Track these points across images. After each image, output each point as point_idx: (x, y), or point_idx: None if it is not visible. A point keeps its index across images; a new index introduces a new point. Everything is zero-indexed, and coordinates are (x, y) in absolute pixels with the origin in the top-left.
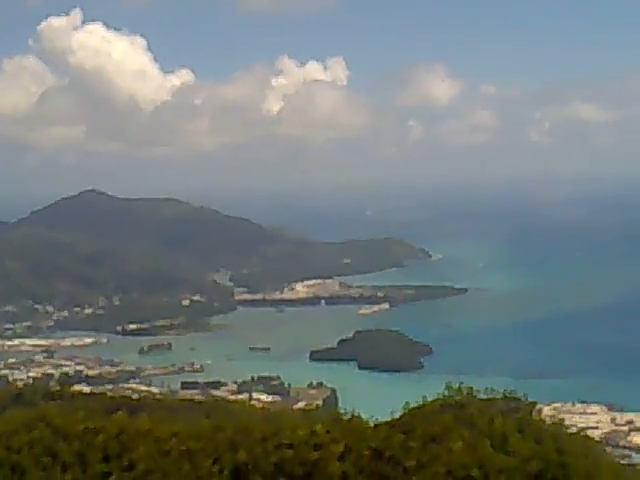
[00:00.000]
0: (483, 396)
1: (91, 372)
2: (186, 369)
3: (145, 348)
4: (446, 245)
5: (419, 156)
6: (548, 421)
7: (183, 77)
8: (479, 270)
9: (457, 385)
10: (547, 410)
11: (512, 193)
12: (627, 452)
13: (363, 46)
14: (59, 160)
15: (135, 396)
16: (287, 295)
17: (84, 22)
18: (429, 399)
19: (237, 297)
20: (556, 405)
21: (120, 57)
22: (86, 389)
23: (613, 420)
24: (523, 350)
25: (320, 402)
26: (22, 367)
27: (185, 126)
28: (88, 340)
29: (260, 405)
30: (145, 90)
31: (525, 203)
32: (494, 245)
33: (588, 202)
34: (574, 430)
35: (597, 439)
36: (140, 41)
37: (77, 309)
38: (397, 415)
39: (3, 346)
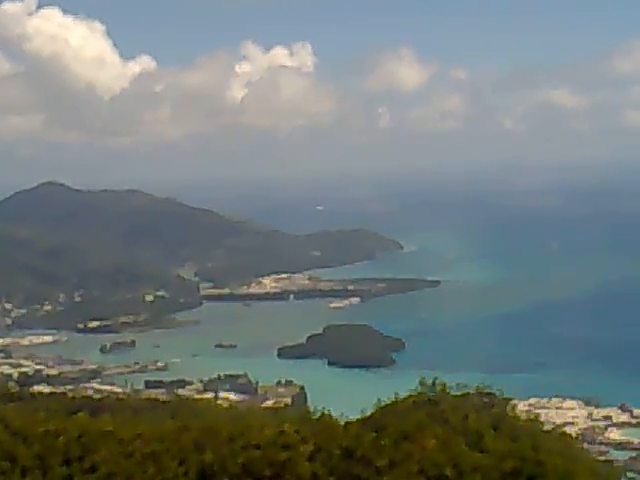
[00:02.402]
0: (457, 392)
1: (51, 372)
2: (150, 367)
3: (107, 346)
4: (418, 236)
5: (388, 144)
6: (524, 417)
7: (144, 64)
8: (452, 262)
9: (430, 381)
10: (522, 406)
11: (486, 182)
12: (604, 448)
13: (330, 31)
14: (16, 151)
15: (97, 396)
16: (254, 290)
17: (39, 7)
18: (401, 396)
19: (203, 292)
20: (531, 401)
21: (78, 43)
22: (46, 389)
23: (590, 416)
24: (497, 344)
25: (289, 400)
26: None
27: (147, 115)
28: (48, 338)
29: (227, 404)
30: (105, 77)
31: (499, 192)
32: (468, 235)
33: (564, 190)
34: (550, 427)
35: (574, 435)
36: (99, 26)
37: (36, 306)
38: (368, 413)
39: None
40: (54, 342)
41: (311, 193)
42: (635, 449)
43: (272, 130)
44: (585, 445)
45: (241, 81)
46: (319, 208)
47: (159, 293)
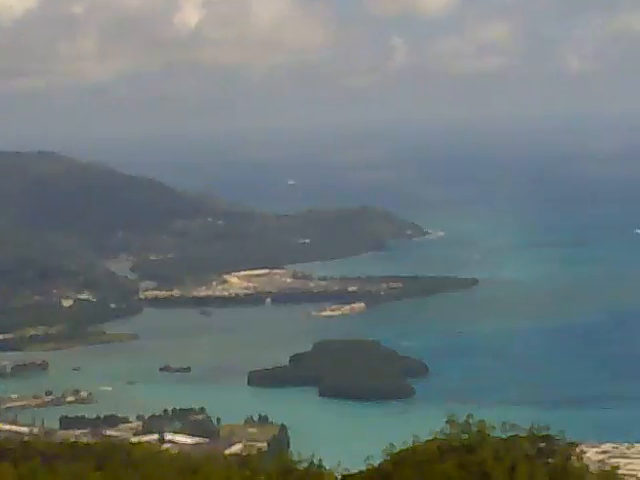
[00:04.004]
0: (500, 434)
1: None
2: (68, 399)
3: (8, 369)
4: (447, 216)
5: (405, 87)
6: (595, 470)
7: None
8: (494, 252)
9: (462, 418)
10: (593, 454)
11: (538, 141)
12: None
13: None
14: None
15: None
16: (216, 291)
17: None
18: (422, 439)
19: (143, 294)
20: (606, 447)
21: None
22: None
23: None
24: (554, 367)
25: (264, 445)
26: None
27: (63, 47)
28: None
29: (176, 450)
30: None
31: (561, 154)
32: (516, 215)
33: None
34: None
35: None
36: None
37: None
38: (376, 463)
39: None
40: None
41: (293, 158)
42: None
43: (240, 70)
44: None
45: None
46: (290, 183)
47: (81, 296)
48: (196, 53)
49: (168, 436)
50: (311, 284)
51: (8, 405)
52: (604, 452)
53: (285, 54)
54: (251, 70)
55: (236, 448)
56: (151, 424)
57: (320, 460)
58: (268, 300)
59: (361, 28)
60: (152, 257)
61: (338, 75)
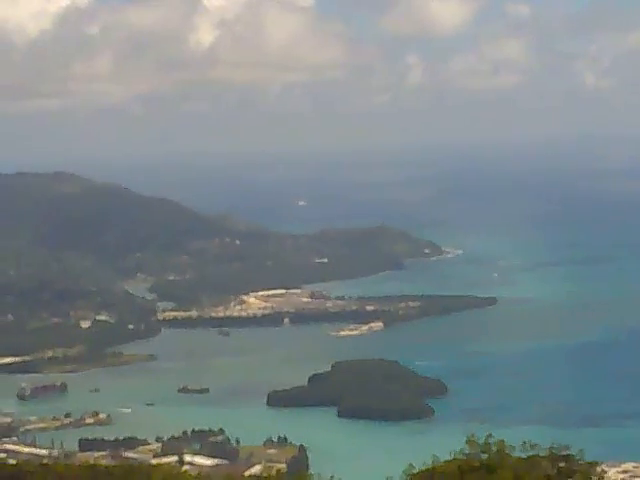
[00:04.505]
0: (520, 454)
1: None
2: (87, 421)
3: (26, 391)
4: (464, 235)
5: (421, 106)
6: None
7: None
8: (512, 271)
9: (482, 438)
10: (614, 473)
11: (554, 157)
12: None
13: None
14: None
15: (12, 461)
16: (234, 311)
17: None
18: (442, 459)
19: (161, 315)
20: (627, 466)
21: None
22: None
23: None
24: (574, 385)
25: (283, 466)
26: None
27: (78, 67)
28: None
29: (196, 472)
30: (19, 16)
31: (575, 171)
32: (532, 233)
33: None
34: None
35: None
36: None
37: None
38: None
39: None
40: None
41: (313, 173)
42: None
43: (255, 89)
44: None
45: (211, 19)
46: (301, 204)
47: (99, 317)
48: (210, 72)
49: (187, 458)
50: (329, 304)
51: (27, 427)
52: (625, 471)
53: (299, 72)
54: (264, 88)
55: (255, 469)
56: (170, 446)
57: None
58: (286, 320)
59: (375, 45)
60: (170, 277)
61: (352, 94)
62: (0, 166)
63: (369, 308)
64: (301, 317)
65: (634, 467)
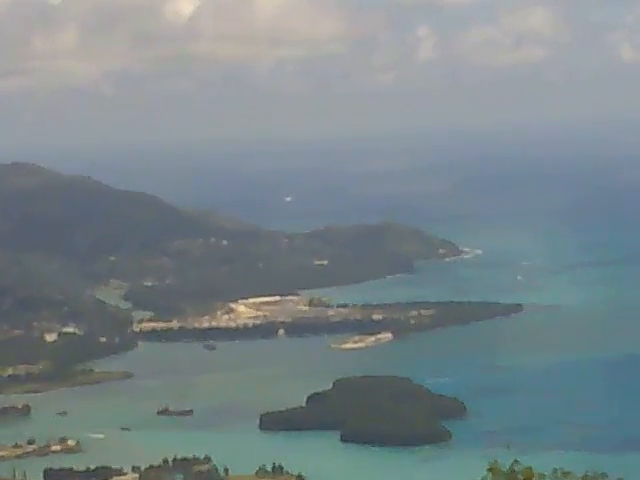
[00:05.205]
0: None
1: None
2: (54, 448)
3: None
4: (484, 232)
5: (431, 85)
6: None
7: None
8: (538, 273)
9: (507, 465)
10: None
11: (585, 141)
12: None
13: None
14: None
15: None
16: (221, 322)
17: None
18: None
19: (137, 326)
20: None
21: None
22: None
23: None
24: (609, 405)
25: None
26: None
27: (40, 43)
28: None
29: None
30: None
31: (609, 159)
32: (560, 230)
33: None
34: None
35: None
36: None
37: None
38: None
39: None
40: None
41: (307, 163)
42: None
43: (242, 66)
44: None
45: None
46: (287, 199)
47: (67, 329)
48: (189, 47)
49: None
50: (330, 312)
51: None
52: None
53: (291, 47)
54: (252, 65)
55: None
56: (149, 476)
57: None
58: (281, 331)
59: (379, 15)
60: (147, 283)
61: (351, 72)
62: None
63: (376, 317)
64: (298, 328)
65: None
